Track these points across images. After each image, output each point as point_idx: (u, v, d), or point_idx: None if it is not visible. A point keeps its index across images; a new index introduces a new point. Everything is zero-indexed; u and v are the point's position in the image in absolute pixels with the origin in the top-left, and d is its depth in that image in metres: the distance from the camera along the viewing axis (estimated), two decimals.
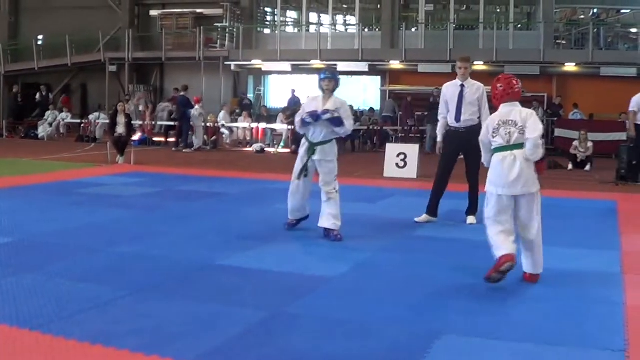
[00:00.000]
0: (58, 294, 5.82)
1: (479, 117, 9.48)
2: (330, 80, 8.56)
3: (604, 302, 5.97)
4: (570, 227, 9.73)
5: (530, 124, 6.43)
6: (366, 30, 29.37)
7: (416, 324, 5.30)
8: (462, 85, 9.61)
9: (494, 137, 6.55)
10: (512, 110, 6.55)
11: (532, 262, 6.63)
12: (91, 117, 26.55)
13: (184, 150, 22.26)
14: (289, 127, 22.94)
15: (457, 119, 9.61)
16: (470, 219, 9.76)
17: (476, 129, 8.96)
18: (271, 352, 4.66)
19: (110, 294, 5.87)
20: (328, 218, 8.47)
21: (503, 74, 6.90)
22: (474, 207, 9.79)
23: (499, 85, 6.67)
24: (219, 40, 30.54)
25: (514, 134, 6.45)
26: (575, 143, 19.20)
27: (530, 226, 6.52)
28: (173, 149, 22.62)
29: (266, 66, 29.56)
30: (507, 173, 6.39)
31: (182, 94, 23.33)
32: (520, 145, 6.42)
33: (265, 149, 22.87)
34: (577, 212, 11.12)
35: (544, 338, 4.99)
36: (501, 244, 6.36)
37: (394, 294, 6.15)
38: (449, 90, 9.75)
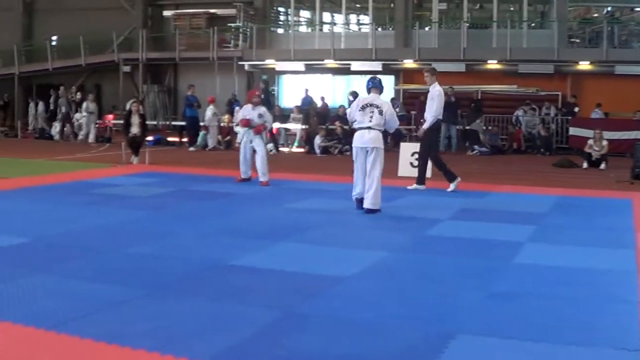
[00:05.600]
0: (73, 294, 5.84)
1: (431, 114, 13.04)
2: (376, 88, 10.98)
3: (619, 300, 5.94)
4: (586, 225, 9.71)
5: None
6: (379, 29, 29.31)
7: (430, 323, 5.27)
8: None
9: None
10: None
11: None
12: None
13: (190, 149, 22.71)
14: (303, 126, 22.93)
15: None
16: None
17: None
18: (284, 352, 4.66)
19: (124, 294, 5.88)
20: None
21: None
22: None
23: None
24: (232, 40, 30.62)
25: None
26: (590, 142, 19.09)
27: None
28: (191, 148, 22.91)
29: (279, 66, 29.56)
30: None
31: (188, 93, 23.77)
32: None
33: (279, 149, 22.85)
34: (592, 211, 11.07)
35: (559, 337, 4.96)
36: None
37: (406, 294, 6.13)
38: None
